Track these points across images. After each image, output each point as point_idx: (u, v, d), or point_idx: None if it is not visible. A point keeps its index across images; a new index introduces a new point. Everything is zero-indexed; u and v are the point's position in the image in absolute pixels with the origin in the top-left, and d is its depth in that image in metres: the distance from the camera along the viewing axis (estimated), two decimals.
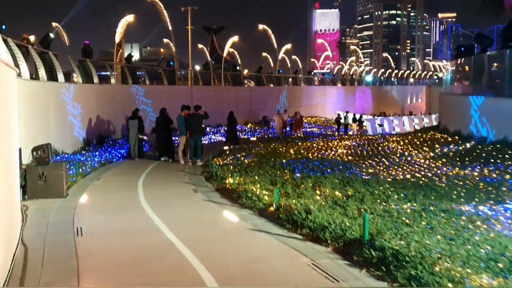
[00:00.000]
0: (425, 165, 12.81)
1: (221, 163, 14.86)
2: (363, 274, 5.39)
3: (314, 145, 19.79)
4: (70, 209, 9.20)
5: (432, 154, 14.78)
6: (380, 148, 17.63)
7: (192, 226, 7.89)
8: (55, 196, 10.31)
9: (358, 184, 9.58)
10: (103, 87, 23.13)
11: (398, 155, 15.16)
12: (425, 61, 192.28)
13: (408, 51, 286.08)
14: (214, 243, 6.87)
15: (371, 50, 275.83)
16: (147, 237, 7.21)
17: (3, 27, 14.95)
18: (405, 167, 12.65)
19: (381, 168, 12.68)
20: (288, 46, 64.02)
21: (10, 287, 5.25)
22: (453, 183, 10.06)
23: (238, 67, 45.70)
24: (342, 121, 34.59)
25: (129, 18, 45.21)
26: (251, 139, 26.03)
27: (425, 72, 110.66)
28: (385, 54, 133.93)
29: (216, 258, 6.19)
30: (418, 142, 18.45)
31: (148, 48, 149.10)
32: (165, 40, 54.74)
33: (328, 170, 12.08)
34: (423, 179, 10.69)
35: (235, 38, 50.97)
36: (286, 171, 12.28)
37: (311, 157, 15.58)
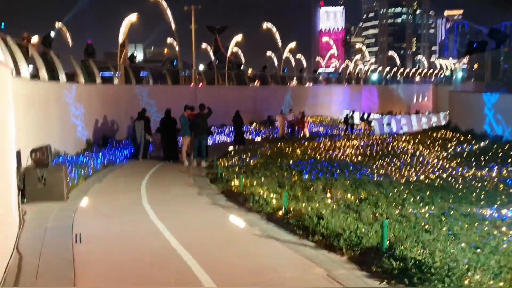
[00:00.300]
0: (438, 166, 12.33)
1: (226, 164, 14.46)
2: (383, 287, 4.93)
3: (321, 145, 19.35)
4: (70, 213, 8.81)
5: (445, 154, 14.29)
6: (389, 147, 17.14)
7: (197, 231, 7.46)
8: (55, 200, 9.93)
9: (370, 186, 9.12)
10: (106, 87, 22.79)
11: (409, 155, 14.67)
12: (431, 59, 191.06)
13: (414, 49, 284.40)
14: (220, 251, 6.44)
15: (376, 49, 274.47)
16: (149, 244, 6.79)
17: (2, 25, 14.64)
18: (417, 168, 12.17)
19: (393, 169, 12.21)
20: (292, 44, 63.54)
21: None
22: (470, 184, 9.58)
23: (242, 67, 45.27)
24: (350, 120, 34.11)
25: (132, 17, 44.93)
26: (256, 139, 25.63)
27: (431, 70, 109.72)
28: (391, 53, 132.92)
29: (222, 268, 5.76)
30: (428, 142, 17.95)
31: (152, 48, 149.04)
32: (169, 40, 54.45)
33: (338, 171, 11.64)
34: (438, 180, 10.21)
35: (239, 37, 50.59)
36: (294, 172, 11.85)
37: (318, 157, 15.14)
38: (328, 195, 8.67)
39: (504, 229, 6.32)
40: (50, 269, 5.80)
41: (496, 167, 11.51)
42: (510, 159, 12.29)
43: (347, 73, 75.53)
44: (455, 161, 12.74)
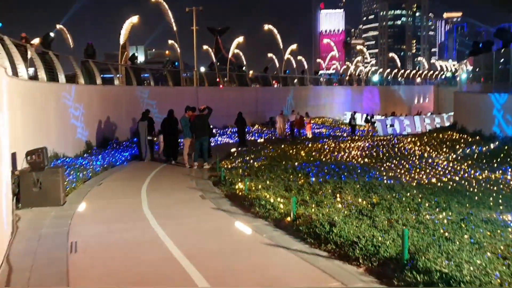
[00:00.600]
0: (449, 168, 11.90)
1: (229, 166, 14.05)
2: None
3: (325, 146, 18.96)
4: (66, 219, 8.38)
5: (454, 156, 13.85)
6: (396, 149, 16.73)
7: (200, 239, 7.01)
8: (51, 204, 9.51)
9: (382, 190, 8.69)
10: (107, 88, 22.40)
11: (417, 156, 14.25)
12: (432, 60, 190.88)
13: (414, 51, 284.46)
14: (225, 261, 5.99)
15: (376, 50, 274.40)
16: (149, 253, 6.35)
17: (0, 25, 14.27)
18: (427, 170, 11.75)
19: (402, 171, 11.79)
20: (294, 46, 63.29)
21: None
22: (486, 188, 9.15)
23: (244, 67, 44.90)
24: (352, 121, 33.77)
25: (134, 19, 44.68)
26: (258, 140, 25.23)
27: (431, 71, 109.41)
28: (391, 54, 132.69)
29: (228, 280, 5.34)
30: (435, 143, 17.53)
31: (153, 50, 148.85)
32: (170, 42, 54.15)
33: (345, 174, 11.22)
34: (451, 183, 9.79)
35: (240, 39, 50.30)
36: (300, 175, 11.44)
37: (324, 159, 14.74)
38: (338, 199, 8.24)
39: None
40: (42, 283, 5.36)
41: (510, 169, 11.08)
42: None
43: (348, 74, 75.23)
44: (465, 163, 12.31)
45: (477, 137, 16.44)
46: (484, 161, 12.45)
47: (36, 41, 23.82)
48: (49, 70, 16.62)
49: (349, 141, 20.97)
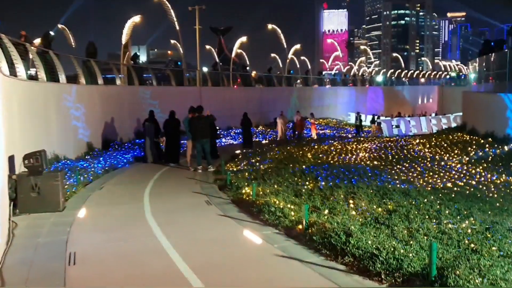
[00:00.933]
0: (464, 171, 11.43)
1: (235, 169, 13.63)
2: None
3: (332, 148, 18.52)
4: (65, 226, 7.97)
5: (467, 159, 13.39)
6: (405, 151, 16.27)
7: (206, 249, 6.58)
8: (50, 210, 9.11)
9: (397, 195, 8.24)
10: (108, 88, 22.01)
11: (428, 159, 13.79)
12: (435, 60, 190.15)
13: (417, 51, 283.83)
14: (234, 274, 5.56)
15: (380, 51, 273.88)
16: (151, 265, 5.92)
17: None
18: (441, 174, 11.29)
19: (414, 174, 11.33)
20: (298, 46, 62.90)
21: None
22: (505, 193, 8.70)
23: (247, 67, 44.49)
24: (357, 122, 33.39)
25: (136, 19, 44.33)
26: (263, 142, 24.82)
27: (435, 71, 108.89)
28: (395, 54, 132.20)
29: None
30: (445, 145, 17.06)
31: (156, 50, 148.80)
32: (172, 41, 53.78)
33: (356, 178, 10.78)
34: (467, 187, 9.34)
35: (243, 39, 49.92)
36: (309, 178, 11.01)
37: (332, 162, 14.30)
38: (352, 205, 7.79)
39: None
40: None
41: None
42: None
43: (352, 74, 74.80)
44: (480, 166, 11.85)
45: (489, 139, 15.95)
46: (500, 164, 11.98)
47: (37, 41, 23.50)
48: (50, 70, 16.26)
49: (356, 143, 20.52)
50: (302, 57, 68.83)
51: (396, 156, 14.96)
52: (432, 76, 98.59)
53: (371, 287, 4.93)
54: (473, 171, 11.33)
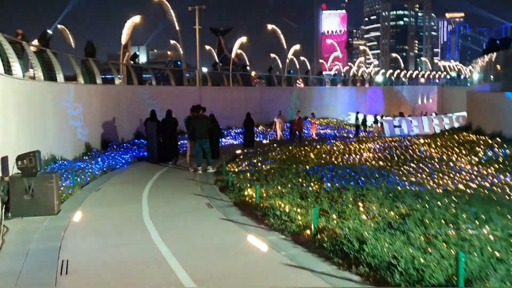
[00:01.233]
0: (475, 172, 11.02)
1: (236, 170, 13.22)
2: None
3: (335, 148, 18.12)
4: (59, 231, 7.54)
5: (476, 159, 12.97)
6: (410, 151, 15.85)
7: (210, 258, 6.13)
8: (44, 213, 8.70)
9: (409, 198, 7.82)
10: (107, 87, 21.62)
11: (436, 160, 13.37)
12: (435, 60, 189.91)
13: (416, 51, 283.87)
14: (240, 286, 5.14)
15: (379, 51, 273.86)
16: (150, 276, 5.48)
17: None
18: (451, 175, 10.87)
19: (423, 176, 10.92)
20: (297, 47, 62.56)
21: None
22: None
23: (247, 67, 44.12)
24: (357, 122, 33.10)
25: (136, 19, 43.89)
26: (263, 141, 24.43)
27: (434, 72, 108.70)
28: (394, 55, 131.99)
29: None
30: (451, 145, 16.64)
31: (155, 50, 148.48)
32: (172, 42, 53.38)
33: (363, 179, 10.37)
34: (481, 190, 8.93)
35: (243, 39, 49.58)
36: (313, 179, 10.60)
37: (335, 162, 13.89)
38: (361, 209, 7.38)
39: None
40: None
41: None
42: None
43: (352, 74, 74.54)
44: (492, 167, 11.42)
45: (497, 139, 15.53)
46: None
47: (35, 42, 23.06)
48: (48, 69, 15.87)
49: (358, 143, 20.12)
50: (302, 58, 68.53)
51: (402, 157, 14.55)
52: (431, 76, 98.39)
53: None
54: (485, 172, 10.91)
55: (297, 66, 63.36)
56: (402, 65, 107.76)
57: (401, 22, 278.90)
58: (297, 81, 50.75)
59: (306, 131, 31.69)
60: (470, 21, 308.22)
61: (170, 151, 15.89)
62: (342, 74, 71.35)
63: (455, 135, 19.18)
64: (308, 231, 6.62)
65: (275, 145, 20.77)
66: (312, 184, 10.06)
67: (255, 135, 26.27)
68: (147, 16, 42.30)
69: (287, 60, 57.94)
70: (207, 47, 56.45)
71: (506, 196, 8.33)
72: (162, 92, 26.32)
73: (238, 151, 18.06)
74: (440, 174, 10.94)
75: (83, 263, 6.02)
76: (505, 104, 16.24)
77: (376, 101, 64.29)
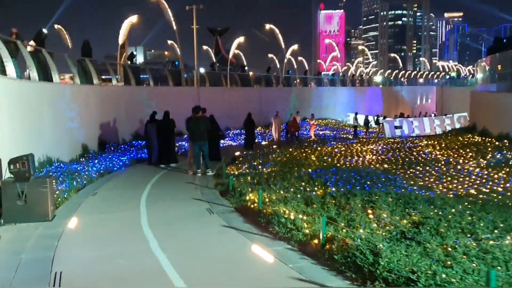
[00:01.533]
0: (485, 176, 10.67)
1: (236, 172, 12.84)
2: None
3: (336, 150, 17.78)
4: (53, 239, 7.15)
5: (485, 162, 12.62)
6: (415, 153, 15.52)
7: (212, 270, 5.73)
8: (38, 220, 8.33)
9: (421, 205, 7.45)
10: (104, 88, 21.24)
11: (442, 162, 13.02)
12: (433, 61, 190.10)
13: (415, 51, 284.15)
14: None
15: (377, 51, 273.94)
16: None
17: None
18: (460, 178, 10.52)
19: (431, 179, 10.56)
20: (295, 47, 62.25)
21: None
22: None
23: (246, 68, 43.76)
24: (355, 122, 32.78)
25: (133, 19, 43.48)
26: (262, 142, 24.06)
27: (432, 72, 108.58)
28: (393, 55, 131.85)
29: None
30: (456, 147, 16.31)
31: (153, 51, 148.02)
32: (170, 42, 52.92)
33: (368, 183, 10.01)
34: (494, 195, 8.58)
35: (241, 39, 49.22)
36: (317, 183, 10.23)
37: (338, 165, 13.54)
38: (371, 216, 7.01)
39: None
40: None
41: None
42: None
43: (350, 75, 74.32)
44: (502, 171, 11.07)
45: (505, 141, 15.19)
46: None
47: (31, 42, 22.61)
48: (43, 69, 15.48)
49: (359, 144, 19.77)
50: (300, 58, 68.23)
51: (407, 159, 14.20)
52: (430, 77, 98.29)
53: None
54: (495, 176, 10.56)
55: (295, 66, 63.07)
56: (401, 65, 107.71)
57: (400, 22, 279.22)
58: (295, 81, 50.54)
59: (305, 132, 31.34)
60: (469, 21, 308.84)
61: (167, 153, 15.53)
62: (340, 74, 71.08)
63: (459, 137, 18.85)
64: (315, 241, 6.25)
65: (274, 146, 20.40)
66: (316, 188, 9.71)
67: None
68: (144, 16, 41.93)
69: (285, 60, 57.66)
70: (205, 47, 56.08)
71: None
72: (160, 92, 25.95)
73: (237, 153, 17.68)
74: (449, 178, 10.58)
75: (77, 275, 5.63)
76: (510, 104, 15.89)
77: (375, 101, 64.00)
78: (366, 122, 32.93)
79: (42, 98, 14.24)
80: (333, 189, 9.41)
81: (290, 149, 18.10)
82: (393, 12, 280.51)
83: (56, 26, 43.62)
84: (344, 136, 30.78)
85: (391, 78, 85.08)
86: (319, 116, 42.86)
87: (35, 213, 8.40)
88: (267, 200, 8.71)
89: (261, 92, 37.83)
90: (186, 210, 9.14)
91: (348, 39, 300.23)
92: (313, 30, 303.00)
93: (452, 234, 5.91)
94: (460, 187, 9.55)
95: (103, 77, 30.13)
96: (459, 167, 12.08)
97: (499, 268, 4.77)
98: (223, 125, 27.41)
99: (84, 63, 19.73)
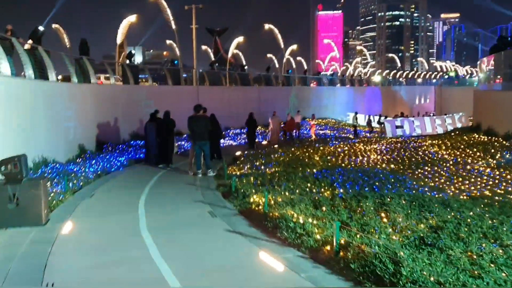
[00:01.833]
0: (497, 176, 10.27)
1: (238, 173, 12.42)
2: None
3: (339, 149, 17.38)
4: (46, 245, 6.71)
5: (494, 162, 12.22)
6: (420, 153, 15.12)
7: (216, 279, 5.28)
8: (30, 224, 7.88)
9: (437, 207, 7.04)
10: (102, 87, 20.83)
11: (450, 162, 12.63)
12: (431, 61, 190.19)
13: (412, 51, 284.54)
14: None
15: (374, 52, 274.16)
16: None
17: None
18: (472, 179, 10.12)
19: (442, 180, 10.16)
20: (294, 47, 61.99)
21: None
22: None
23: (245, 67, 43.38)
24: (354, 122, 32.46)
25: (131, 18, 43.06)
26: (263, 142, 23.66)
27: (430, 72, 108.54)
28: (391, 55, 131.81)
29: None
30: (462, 146, 15.93)
31: (151, 51, 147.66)
32: (168, 42, 52.52)
33: (377, 184, 9.60)
34: (509, 196, 8.17)
35: (240, 39, 48.87)
36: (323, 184, 9.82)
37: (343, 165, 13.13)
38: (385, 219, 6.59)
39: None
40: None
41: None
42: None
43: (349, 75, 74.11)
44: None
45: None
46: None
47: (29, 42, 22.15)
48: (39, 67, 15.05)
49: (362, 144, 19.38)
50: (299, 58, 68.02)
51: (413, 159, 13.80)
52: (428, 77, 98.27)
53: None
54: (508, 177, 10.17)
55: (294, 66, 62.75)
56: (399, 65, 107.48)
57: (397, 23, 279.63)
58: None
59: (306, 132, 30.98)
60: (465, 21, 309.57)
61: (165, 153, 15.14)
62: (339, 74, 70.81)
63: (464, 136, 18.47)
64: (328, 247, 5.82)
65: (275, 146, 20.00)
66: (322, 190, 9.30)
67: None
68: (143, 16, 41.53)
69: (284, 60, 57.31)
70: (204, 47, 55.70)
71: None
72: (159, 91, 25.56)
73: (238, 153, 17.26)
74: (460, 178, 10.19)
75: (71, 286, 5.19)
76: None
77: (374, 101, 63.80)
78: (369, 122, 32.60)
79: (37, 97, 13.81)
80: (341, 190, 9.00)
81: (292, 149, 17.72)
82: (390, 13, 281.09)
83: (53, 25, 43.18)
84: (345, 135, 30.44)
85: (389, 78, 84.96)
86: (319, 115, 42.53)
87: (28, 217, 7.95)
88: (272, 202, 8.30)
89: (260, 92, 37.45)
90: (187, 213, 8.71)
91: (346, 39, 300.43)
92: (311, 30, 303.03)
93: (475, 239, 5.49)
94: (473, 188, 9.15)
95: (103, 75, 29.66)
96: (468, 167, 11.68)
97: None
98: (223, 125, 27.03)
99: (82, 61, 19.29)
